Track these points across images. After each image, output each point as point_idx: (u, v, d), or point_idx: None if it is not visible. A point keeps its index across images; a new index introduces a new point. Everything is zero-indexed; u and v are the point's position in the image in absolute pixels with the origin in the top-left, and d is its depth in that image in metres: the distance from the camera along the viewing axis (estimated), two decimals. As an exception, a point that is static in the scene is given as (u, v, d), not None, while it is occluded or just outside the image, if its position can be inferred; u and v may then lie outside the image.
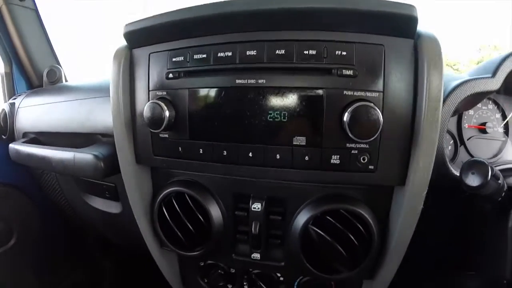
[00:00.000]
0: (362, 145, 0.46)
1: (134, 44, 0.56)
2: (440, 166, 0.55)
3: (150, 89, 0.55)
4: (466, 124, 0.69)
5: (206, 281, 0.73)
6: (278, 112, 0.47)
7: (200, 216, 0.59)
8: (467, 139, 0.68)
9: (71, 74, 1.11)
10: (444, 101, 0.54)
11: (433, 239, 0.73)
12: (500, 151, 0.69)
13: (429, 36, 0.46)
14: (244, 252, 0.62)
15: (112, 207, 0.82)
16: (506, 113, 0.69)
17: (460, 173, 0.50)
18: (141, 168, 0.62)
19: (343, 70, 0.45)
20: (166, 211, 0.60)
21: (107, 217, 0.85)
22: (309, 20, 0.45)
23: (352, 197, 0.53)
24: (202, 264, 0.71)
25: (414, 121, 0.46)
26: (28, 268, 1.03)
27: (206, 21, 0.48)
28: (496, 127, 0.69)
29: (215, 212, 0.59)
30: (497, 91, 0.61)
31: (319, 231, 0.51)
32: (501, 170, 0.53)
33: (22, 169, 0.94)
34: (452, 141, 0.68)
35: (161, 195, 0.60)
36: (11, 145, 0.84)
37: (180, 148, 0.54)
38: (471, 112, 0.70)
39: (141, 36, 0.54)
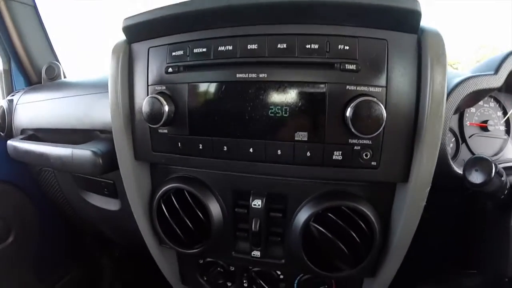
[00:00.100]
0: (364, 141, 0.46)
1: (133, 38, 0.55)
2: (442, 163, 0.54)
3: (149, 84, 0.54)
4: (468, 122, 0.69)
5: (205, 279, 0.72)
6: (280, 107, 0.46)
7: (199, 213, 0.58)
8: (469, 137, 0.68)
9: (70, 71, 1.10)
10: (447, 98, 0.53)
11: (434, 237, 0.72)
12: (501, 149, 0.69)
13: (433, 31, 0.45)
14: (244, 250, 0.61)
15: (110, 204, 0.82)
16: (507, 111, 0.69)
17: (464, 170, 0.50)
18: (140, 165, 0.61)
19: (346, 65, 0.44)
20: (165, 208, 0.59)
21: (106, 214, 0.84)
22: (311, 14, 0.45)
23: (353, 194, 0.52)
24: (202, 261, 0.70)
25: (417, 117, 0.46)
26: (27, 266, 1.03)
27: (206, 15, 0.47)
28: (497, 125, 0.69)
29: (215, 209, 0.58)
30: (499, 89, 0.61)
31: (320, 228, 0.51)
32: (503, 168, 0.52)
33: (20, 166, 0.94)
34: (454, 138, 0.68)
35: (160, 192, 0.59)
36: (9, 142, 0.84)
37: (179, 143, 0.53)
38: (472, 109, 0.69)
39: (140, 30, 0.53)
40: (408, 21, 0.44)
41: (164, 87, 0.52)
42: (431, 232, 0.61)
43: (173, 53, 0.51)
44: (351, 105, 0.43)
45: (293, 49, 0.45)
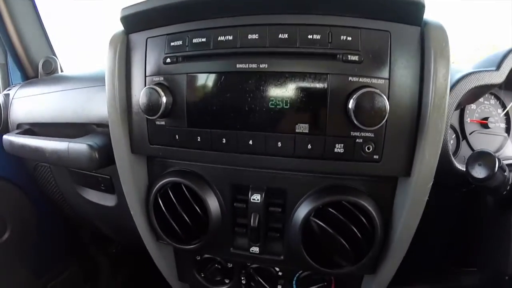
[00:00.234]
0: (367, 134, 0.45)
1: (131, 28, 0.54)
2: (443, 159, 0.54)
3: (146, 75, 0.53)
4: (469, 119, 0.69)
5: (202, 275, 0.72)
6: (280, 98, 0.45)
7: (197, 208, 0.57)
8: (469, 134, 0.68)
9: (68, 65, 1.09)
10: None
11: (433, 236, 0.72)
12: (501, 147, 0.69)
13: (436, 24, 0.45)
14: (243, 246, 0.60)
15: (107, 200, 0.81)
16: (507, 105, 0.69)
17: (466, 164, 0.49)
18: (136, 158, 0.60)
19: (348, 56, 0.43)
20: (162, 203, 0.58)
21: (102, 210, 0.83)
22: (313, 4, 0.44)
23: (355, 189, 0.51)
24: (199, 258, 0.70)
25: (420, 109, 0.45)
26: (23, 262, 1.02)
27: (206, 4, 0.46)
28: (498, 122, 0.69)
29: (213, 203, 0.57)
30: (499, 86, 0.61)
31: (321, 223, 0.50)
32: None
33: (16, 161, 0.93)
34: (454, 135, 0.67)
35: (157, 186, 0.58)
36: (4, 137, 0.83)
37: (177, 136, 0.52)
38: (473, 106, 0.69)
39: (139, 20, 0.52)
40: (411, 13, 0.43)
41: (162, 78, 0.51)
42: (431, 230, 0.61)
43: (172, 43, 0.50)
44: (353, 97, 0.42)
45: (294, 40, 0.45)
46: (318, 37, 0.44)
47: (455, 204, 0.69)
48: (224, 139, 0.49)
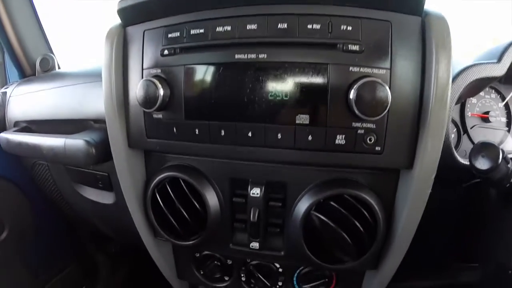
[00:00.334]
0: (368, 125, 0.44)
1: (128, 21, 0.53)
2: (445, 153, 0.53)
3: (144, 68, 0.52)
4: (470, 113, 0.69)
5: (202, 272, 0.71)
6: (280, 89, 0.45)
7: (196, 203, 0.56)
8: (470, 128, 0.68)
9: (65, 63, 1.08)
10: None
11: (435, 232, 0.71)
12: (501, 141, 0.69)
13: (437, 15, 0.44)
14: (242, 241, 0.59)
15: (105, 198, 0.80)
16: (506, 98, 0.69)
17: (470, 156, 0.48)
18: (134, 153, 0.59)
19: (349, 45, 0.43)
20: (160, 198, 0.57)
21: (101, 208, 0.82)
22: (313, -7, 0.43)
23: (356, 182, 0.51)
24: (198, 255, 0.69)
25: (422, 101, 0.44)
26: (21, 262, 1.01)
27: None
28: (498, 116, 0.69)
29: (212, 198, 0.56)
30: (499, 80, 0.60)
31: (322, 217, 0.49)
32: None
33: (14, 160, 0.92)
34: (455, 129, 0.67)
35: (155, 181, 0.57)
36: (1, 135, 0.82)
37: (174, 129, 0.51)
38: (474, 100, 0.69)
39: (136, 12, 0.51)
40: (412, 2, 0.43)
41: (159, 70, 0.50)
42: (432, 226, 0.60)
43: (169, 35, 0.49)
44: (354, 87, 0.41)
45: (294, 30, 0.44)
46: (318, 27, 0.43)
47: (456, 199, 0.69)
48: (222, 131, 0.48)
